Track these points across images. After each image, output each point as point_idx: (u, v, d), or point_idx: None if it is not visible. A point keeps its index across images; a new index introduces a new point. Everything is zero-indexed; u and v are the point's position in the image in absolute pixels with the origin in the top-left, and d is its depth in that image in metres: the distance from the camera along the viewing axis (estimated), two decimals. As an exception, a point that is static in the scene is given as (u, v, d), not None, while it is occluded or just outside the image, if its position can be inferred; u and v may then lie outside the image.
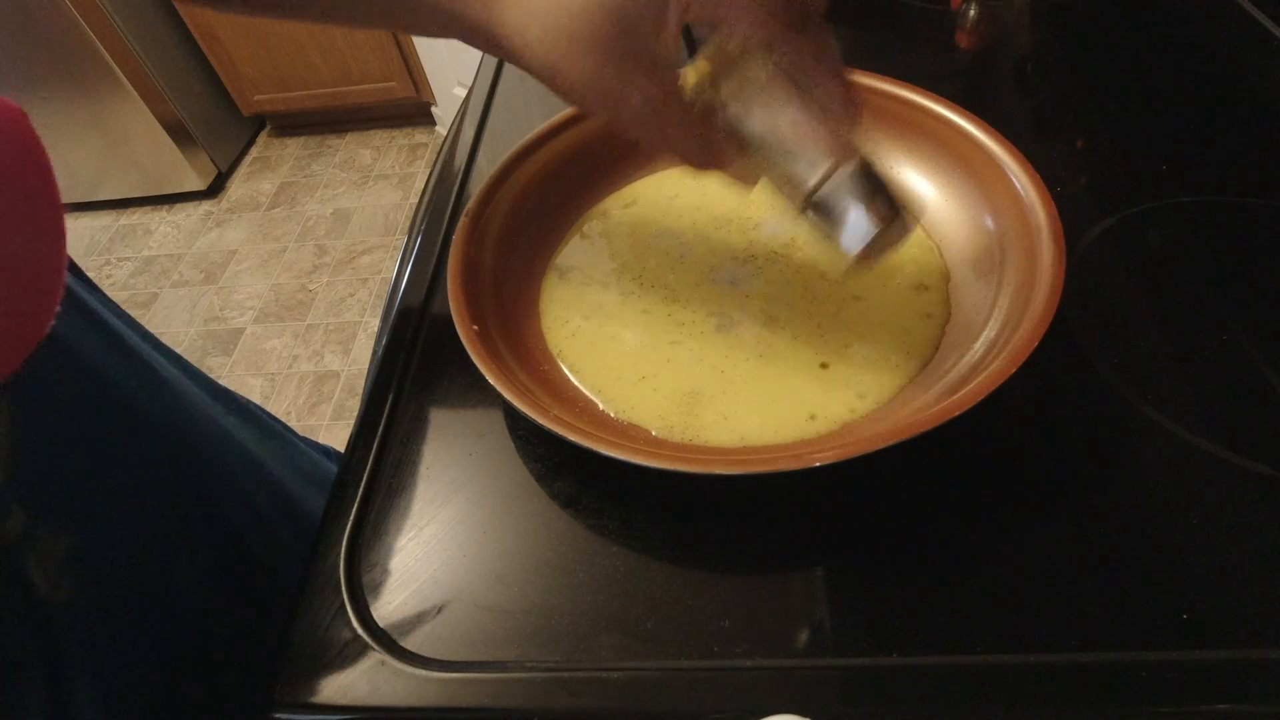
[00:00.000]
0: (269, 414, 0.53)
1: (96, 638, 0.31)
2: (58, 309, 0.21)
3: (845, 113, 0.29)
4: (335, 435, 1.38)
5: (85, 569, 0.31)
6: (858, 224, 0.29)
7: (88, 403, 0.33)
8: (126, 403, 0.36)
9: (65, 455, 0.31)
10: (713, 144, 0.30)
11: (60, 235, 0.22)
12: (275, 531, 0.44)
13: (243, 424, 0.47)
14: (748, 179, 0.32)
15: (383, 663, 0.28)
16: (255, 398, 1.45)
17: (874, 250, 0.30)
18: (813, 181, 0.29)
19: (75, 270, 0.37)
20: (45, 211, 0.21)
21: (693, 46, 0.28)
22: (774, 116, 0.28)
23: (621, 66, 0.26)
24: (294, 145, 2.07)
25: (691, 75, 0.29)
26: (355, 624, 0.29)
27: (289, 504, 0.46)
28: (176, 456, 0.38)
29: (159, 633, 0.35)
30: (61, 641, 0.29)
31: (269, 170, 2.00)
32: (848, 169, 0.28)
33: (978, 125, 0.38)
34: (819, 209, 0.30)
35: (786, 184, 0.30)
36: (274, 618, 0.32)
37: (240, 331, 1.59)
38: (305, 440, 0.56)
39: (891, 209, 0.29)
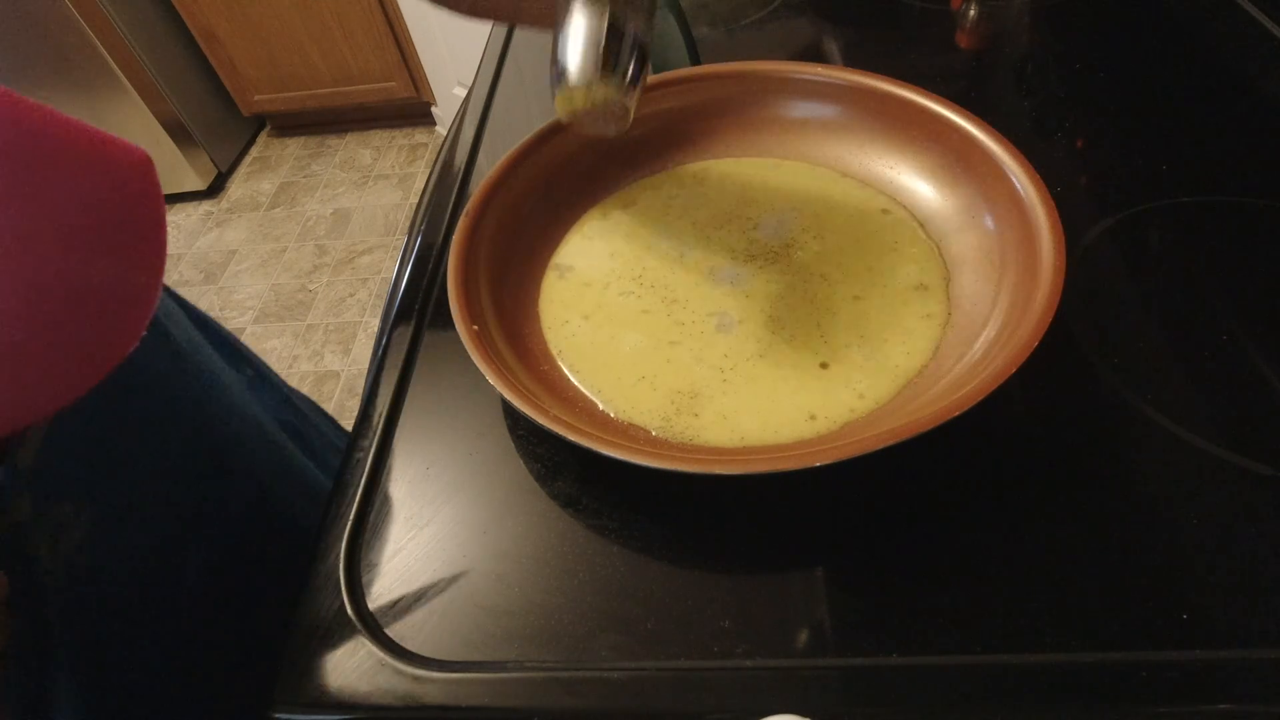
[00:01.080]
0: (302, 395, 0.53)
1: (96, 631, 0.31)
2: (144, 332, 0.23)
3: None
4: (335, 435, 1.37)
5: (99, 556, 0.31)
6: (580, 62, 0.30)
7: (117, 384, 0.34)
8: (152, 380, 0.36)
9: (95, 436, 0.32)
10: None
11: (157, 273, 0.24)
12: (288, 518, 0.44)
13: (263, 397, 0.47)
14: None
15: (383, 663, 0.28)
16: (255, 398, 1.45)
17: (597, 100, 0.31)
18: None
19: None
20: (151, 249, 0.23)
21: None
22: None
23: None
24: (294, 145, 2.07)
25: None
26: (355, 624, 0.29)
27: (307, 488, 0.46)
28: (198, 435, 0.38)
29: (163, 630, 0.35)
30: (54, 632, 0.29)
31: (269, 170, 2.00)
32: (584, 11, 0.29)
33: (978, 125, 0.38)
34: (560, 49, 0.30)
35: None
36: (274, 617, 0.32)
37: (240, 331, 1.59)
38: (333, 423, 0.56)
39: (623, 59, 0.30)
